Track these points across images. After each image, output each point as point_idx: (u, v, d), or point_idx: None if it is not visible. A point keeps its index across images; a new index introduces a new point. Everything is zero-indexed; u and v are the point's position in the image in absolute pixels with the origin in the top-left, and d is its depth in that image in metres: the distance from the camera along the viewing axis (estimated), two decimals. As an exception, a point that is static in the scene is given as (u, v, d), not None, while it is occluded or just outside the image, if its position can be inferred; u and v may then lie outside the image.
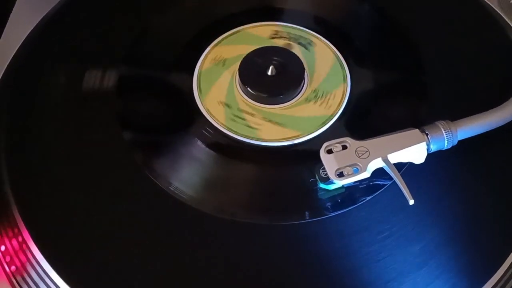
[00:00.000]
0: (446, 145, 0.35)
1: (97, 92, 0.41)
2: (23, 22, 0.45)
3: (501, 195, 0.36)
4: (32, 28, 0.45)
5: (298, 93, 0.40)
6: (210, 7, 0.45)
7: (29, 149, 0.38)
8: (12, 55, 0.43)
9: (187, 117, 0.40)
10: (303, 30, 0.44)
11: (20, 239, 0.35)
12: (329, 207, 0.35)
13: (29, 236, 0.35)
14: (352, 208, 0.35)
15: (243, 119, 0.39)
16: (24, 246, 0.35)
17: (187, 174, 0.37)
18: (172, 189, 0.36)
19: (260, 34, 0.44)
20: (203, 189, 0.36)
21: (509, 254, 0.34)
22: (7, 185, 0.36)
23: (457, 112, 0.37)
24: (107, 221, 0.35)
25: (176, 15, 0.45)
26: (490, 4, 0.46)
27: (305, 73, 0.41)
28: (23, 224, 0.35)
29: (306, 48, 0.43)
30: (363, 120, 0.40)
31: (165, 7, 0.45)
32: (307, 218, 0.35)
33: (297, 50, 0.43)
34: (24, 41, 0.44)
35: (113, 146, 0.38)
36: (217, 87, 0.41)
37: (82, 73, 0.41)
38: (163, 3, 0.45)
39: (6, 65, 0.43)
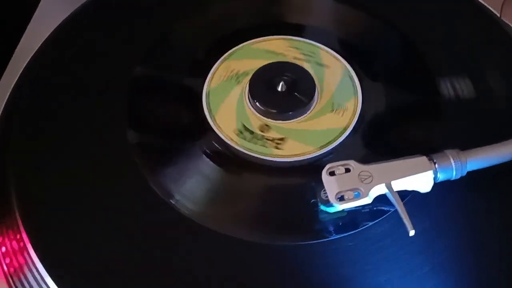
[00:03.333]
0: (454, 175, 0.33)
1: (107, 96, 0.41)
2: (45, 23, 0.46)
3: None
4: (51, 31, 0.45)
5: (310, 108, 0.40)
6: (221, 21, 0.45)
7: (35, 150, 0.38)
8: (31, 55, 0.44)
9: (197, 135, 0.39)
10: (313, 45, 0.43)
11: (21, 242, 0.35)
12: (328, 230, 0.34)
13: (28, 240, 0.35)
14: (353, 233, 0.34)
15: (259, 138, 0.39)
16: (23, 249, 0.35)
17: (195, 188, 0.37)
18: (179, 204, 0.36)
19: (271, 48, 0.43)
20: (209, 204, 0.36)
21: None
22: (12, 187, 0.37)
23: (471, 140, 0.35)
24: (106, 229, 0.35)
25: (188, 27, 0.45)
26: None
27: (316, 88, 0.40)
28: (23, 228, 0.35)
29: (317, 63, 0.42)
30: (377, 131, 0.39)
31: (177, 19, 0.45)
32: (308, 239, 0.34)
33: (307, 64, 0.42)
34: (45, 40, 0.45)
35: (120, 153, 0.38)
36: (227, 105, 0.40)
37: (90, 86, 0.42)
38: (175, 15, 0.45)
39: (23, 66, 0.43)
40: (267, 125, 0.39)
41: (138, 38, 0.44)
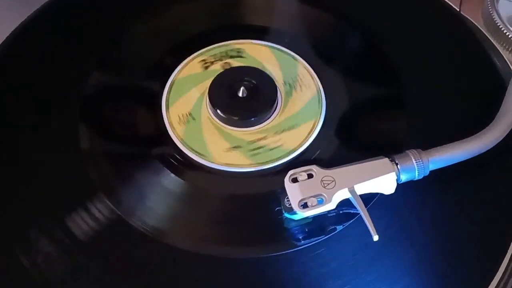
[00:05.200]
0: (417, 175, 0.33)
1: (60, 105, 0.40)
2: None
3: (475, 229, 0.34)
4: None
5: (268, 118, 0.39)
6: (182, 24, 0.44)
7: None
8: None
9: (159, 147, 0.38)
10: (291, 56, 0.42)
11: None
12: (295, 238, 0.34)
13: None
14: (321, 240, 0.33)
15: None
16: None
17: (158, 204, 0.35)
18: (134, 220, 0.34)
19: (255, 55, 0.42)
20: (164, 217, 0.35)
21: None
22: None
23: (434, 138, 0.35)
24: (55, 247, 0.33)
25: (144, 31, 0.44)
26: (476, 24, 0.45)
27: (278, 91, 0.40)
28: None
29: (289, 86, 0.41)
30: (344, 129, 0.38)
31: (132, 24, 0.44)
32: (272, 251, 0.33)
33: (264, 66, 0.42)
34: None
35: (72, 166, 0.37)
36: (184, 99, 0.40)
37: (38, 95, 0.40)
38: (129, 21, 0.44)
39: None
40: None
41: (92, 45, 0.43)
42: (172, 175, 0.36)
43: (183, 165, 0.37)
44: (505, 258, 0.33)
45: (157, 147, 0.38)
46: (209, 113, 0.39)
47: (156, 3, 0.45)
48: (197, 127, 0.38)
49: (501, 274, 0.33)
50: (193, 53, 0.42)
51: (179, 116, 0.39)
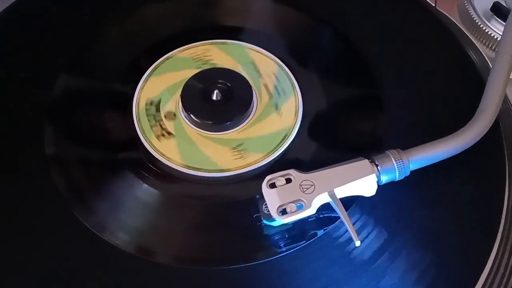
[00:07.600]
0: (397, 176, 0.32)
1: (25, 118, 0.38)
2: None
3: (459, 232, 0.33)
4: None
5: (249, 114, 0.38)
6: (129, 39, 0.43)
7: None
8: None
9: (139, 161, 0.37)
10: (240, 45, 0.42)
11: None
12: (276, 245, 0.33)
13: None
14: (301, 246, 0.33)
15: (200, 151, 0.37)
16: None
17: (131, 215, 0.34)
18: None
19: (197, 55, 0.41)
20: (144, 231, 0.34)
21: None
22: None
23: (413, 137, 0.34)
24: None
25: (114, 35, 0.43)
26: (453, 20, 0.44)
27: (253, 93, 0.39)
28: None
29: (247, 65, 0.41)
30: (322, 127, 0.38)
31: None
32: (252, 260, 0.32)
33: (238, 67, 0.40)
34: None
35: (37, 175, 0.35)
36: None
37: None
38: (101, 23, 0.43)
39: None
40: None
41: (61, 46, 0.41)
42: (145, 185, 0.35)
43: (155, 173, 0.36)
44: (490, 256, 0.32)
45: (128, 154, 0.37)
46: (183, 118, 0.38)
47: (126, 5, 0.44)
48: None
49: (487, 273, 0.32)
50: (164, 54, 0.41)
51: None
